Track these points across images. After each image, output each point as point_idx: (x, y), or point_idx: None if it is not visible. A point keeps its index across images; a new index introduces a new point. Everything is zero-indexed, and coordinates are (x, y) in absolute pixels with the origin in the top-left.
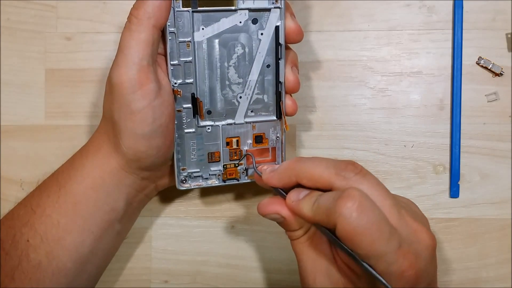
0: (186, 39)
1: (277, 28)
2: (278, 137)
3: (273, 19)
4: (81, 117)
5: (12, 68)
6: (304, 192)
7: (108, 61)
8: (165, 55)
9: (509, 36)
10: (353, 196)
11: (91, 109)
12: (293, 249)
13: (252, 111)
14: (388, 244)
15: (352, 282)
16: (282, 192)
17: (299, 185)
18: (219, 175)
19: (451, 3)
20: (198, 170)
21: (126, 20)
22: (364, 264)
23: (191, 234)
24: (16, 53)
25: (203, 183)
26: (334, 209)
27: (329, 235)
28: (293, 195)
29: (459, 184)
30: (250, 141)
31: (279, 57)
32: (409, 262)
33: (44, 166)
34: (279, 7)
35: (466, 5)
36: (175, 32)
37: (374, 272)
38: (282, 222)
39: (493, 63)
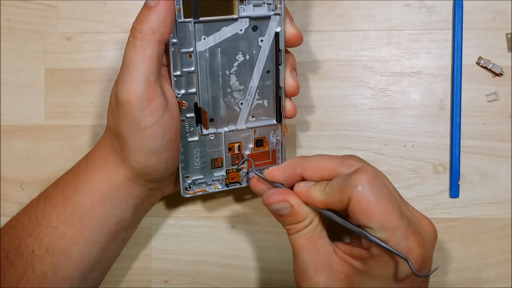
0: (189, 50)
1: (277, 34)
2: (278, 140)
3: (273, 25)
4: (81, 117)
5: (12, 68)
6: (313, 182)
7: (108, 61)
8: (168, 66)
9: (509, 36)
10: (366, 170)
11: (91, 109)
12: (292, 243)
13: (253, 116)
14: (400, 218)
15: (356, 270)
16: (285, 187)
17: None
18: (222, 180)
19: (451, 3)
20: (202, 176)
21: (129, 34)
22: (377, 240)
23: (191, 234)
24: (16, 53)
25: (207, 189)
26: (348, 183)
27: (338, 218)
28: (302, 183)
29: (459, 184)
30: (251, 145)
31: (279, 62)
32: (417, 241)
33: (44, 166)
34: (279, 14)
35: (466, 5)
36: (177, 43)
37: (387, 246)
38: (286, 214)
39: (493, 63)
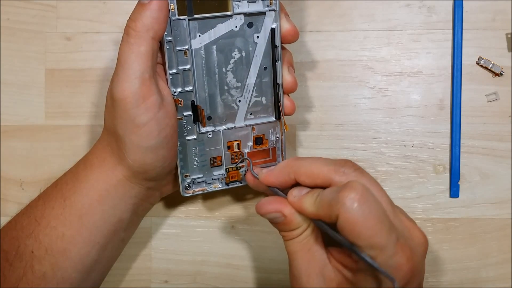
0: (184, 47)
1: (272, 30)
2: (278, 137)
3: (268, 21)
4: (81, 117)
5: (12, 68)
6: (306, 189)
7: (108, 61)
8: (163, 65)
9: (509, 36)
10: (355, 187)
11: (91, 109)
12: (287, 249)
13: (251, 114)
14: (388, 236)
15: (347, 280)
16: (280, 192)
17: (296, 186)
18: (222, 179)
19: (451, 3)
20: (201, 175)
21: (123, 32)
22: (365, 257)
23: (191, 234)
24: (16, 53)
25: (207, 188)
26: (336, 200)
27: (329, 230)
28: (295, 192)
29: (459, 184)
30: (250, 143)
31: (276, 59)
32: (406, 256)
33: (44, 166)
34: (274, 10)
35: (466, 5)
36: (172, 41)
37: (375, 264)
38: (280, 222)
39: (493, 63)
